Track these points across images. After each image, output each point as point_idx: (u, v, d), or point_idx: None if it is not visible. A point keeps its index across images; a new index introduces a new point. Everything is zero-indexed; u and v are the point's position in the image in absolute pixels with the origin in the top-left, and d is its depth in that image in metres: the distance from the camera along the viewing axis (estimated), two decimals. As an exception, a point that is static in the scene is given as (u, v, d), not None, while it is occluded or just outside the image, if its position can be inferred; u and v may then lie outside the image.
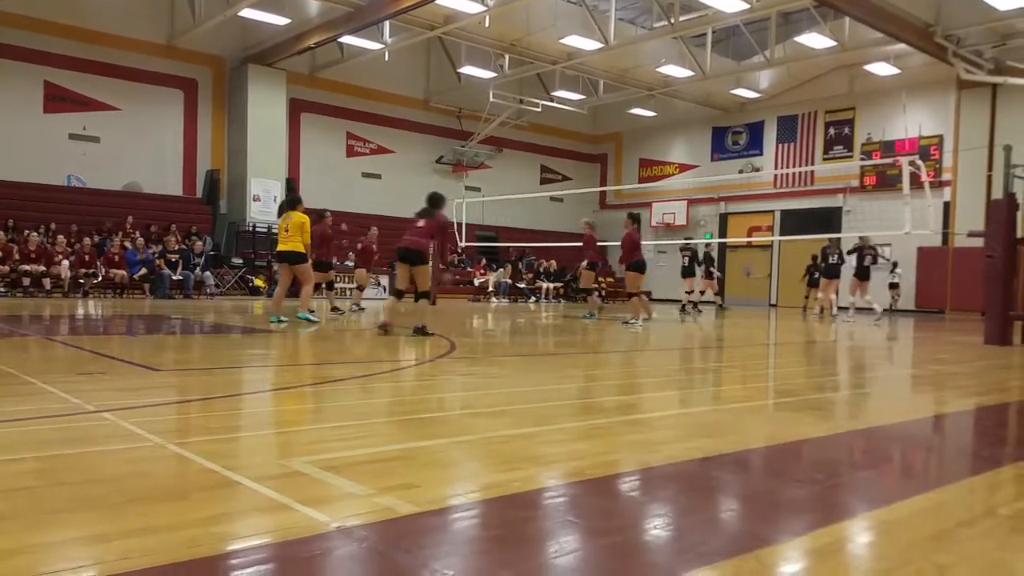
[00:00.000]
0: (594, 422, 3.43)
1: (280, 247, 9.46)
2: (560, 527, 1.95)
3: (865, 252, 14.96)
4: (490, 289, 22.78)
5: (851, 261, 15.11)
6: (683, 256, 17.05)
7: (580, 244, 13.72)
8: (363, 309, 13.35)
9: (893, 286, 21.16)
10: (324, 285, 12.15)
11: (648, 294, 28.22)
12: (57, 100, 19.02)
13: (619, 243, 12.01)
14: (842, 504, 2.30)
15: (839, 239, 16.43)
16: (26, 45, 18.37)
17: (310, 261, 9.78)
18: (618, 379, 5.43)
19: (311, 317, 9.41)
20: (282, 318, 9.26)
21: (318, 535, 1.80)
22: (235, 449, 2.78)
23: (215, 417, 3.36)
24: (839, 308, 16.26)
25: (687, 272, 16.90)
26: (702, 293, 17.10)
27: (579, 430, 3.26)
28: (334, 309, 12.00)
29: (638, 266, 11.56)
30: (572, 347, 7.93)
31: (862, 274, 14.87)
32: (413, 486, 2.24)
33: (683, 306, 16.76)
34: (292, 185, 21.84)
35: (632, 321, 11.46)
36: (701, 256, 17.39)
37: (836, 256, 15.66)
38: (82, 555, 1.66)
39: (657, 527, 2.00)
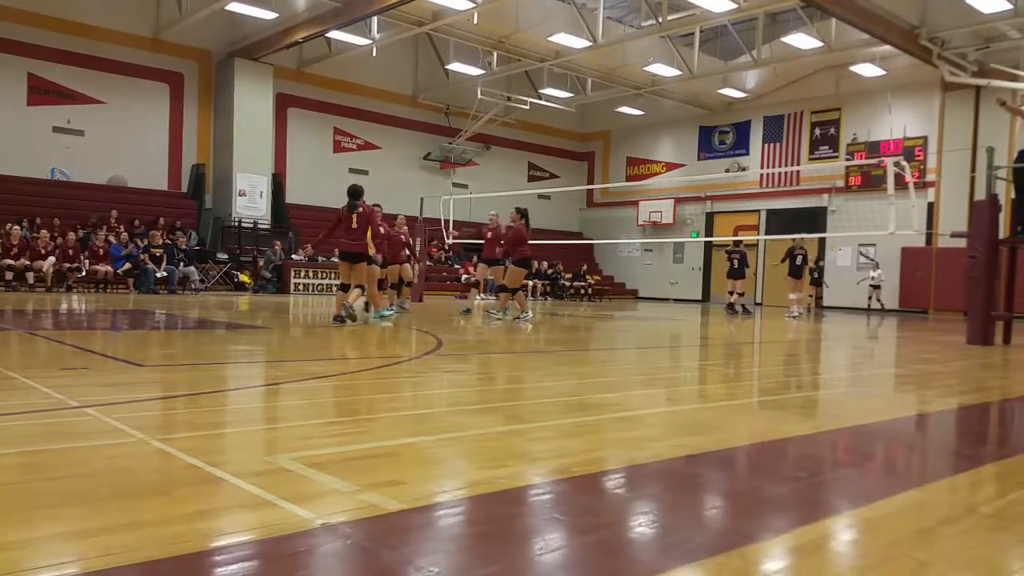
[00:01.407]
0: (581, 419, 3.43)
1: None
2: (546, 524, 1.95)
3: (796, 252, 16.20)
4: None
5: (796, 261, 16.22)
6: (732, 259, 17.02)
7: (577, 242, 13.28)
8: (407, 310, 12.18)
9: (875, 287, 20.96)
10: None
11: (634, 292, 28.43)
12: (41, 93, 18.82)
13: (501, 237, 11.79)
14: (825, 502, 2.32)
15: (800, 239, 16.77)
16: (10, 37, 18.16)
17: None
18: (605, 376, 5.43)
19: (370, 312, 9.72)
20: (384, 312, 9.76)
21: (303, 532, 1.79)
22: (219, 445, 2.76)
23: (199, 413, 3.33)
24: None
25: (737, 274, 16.94)
26: (742, 295, 17.18)
27: (566, 427, 3.26)
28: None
29: (524, 263, 11.25)
30: (560, 344, 7.93)
31: (795, 272, 16.22)
32: (399, 483, 2.24)
33: (730, 305, 17.01)
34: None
35: (500, 314, 11.35)
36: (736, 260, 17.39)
37: (790, 256, 16.39)
38: (64, 551, 1.65)
39: (642, 524, 2.01)
